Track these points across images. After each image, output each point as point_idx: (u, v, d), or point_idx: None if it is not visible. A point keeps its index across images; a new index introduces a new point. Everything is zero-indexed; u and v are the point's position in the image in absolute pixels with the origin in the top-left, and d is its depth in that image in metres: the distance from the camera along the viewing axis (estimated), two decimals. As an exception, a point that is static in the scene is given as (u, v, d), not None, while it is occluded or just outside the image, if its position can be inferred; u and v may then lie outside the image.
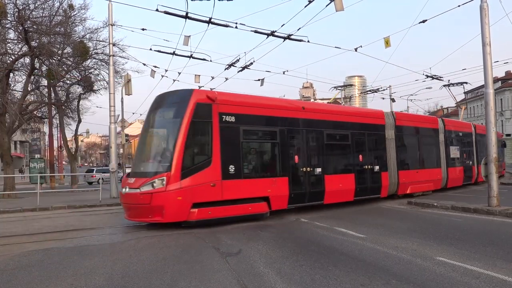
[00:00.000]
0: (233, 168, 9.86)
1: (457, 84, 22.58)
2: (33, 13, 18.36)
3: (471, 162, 20.22)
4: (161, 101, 10.52)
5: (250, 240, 7.73)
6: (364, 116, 14.47)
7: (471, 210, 11.04)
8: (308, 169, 11.71)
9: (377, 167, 13.95)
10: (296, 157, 11.53)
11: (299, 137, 11.78)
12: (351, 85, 18.00)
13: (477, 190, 17.54)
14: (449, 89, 22.95)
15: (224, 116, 9.92)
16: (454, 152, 18.65)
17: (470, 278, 4.98)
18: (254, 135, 10.86)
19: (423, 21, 13.99)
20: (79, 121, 29.90)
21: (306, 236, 8.16)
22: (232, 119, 10.06)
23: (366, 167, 13.61)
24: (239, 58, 16.64)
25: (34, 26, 18.15)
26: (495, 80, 50.55)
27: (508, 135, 52.66)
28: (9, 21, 18.44)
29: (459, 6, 12.79)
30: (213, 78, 19.73)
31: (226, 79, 20.52)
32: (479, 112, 58.29)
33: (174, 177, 8.93)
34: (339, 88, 18.48)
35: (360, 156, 13.45)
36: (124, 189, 9.56)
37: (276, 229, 9.08)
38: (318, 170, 11.98)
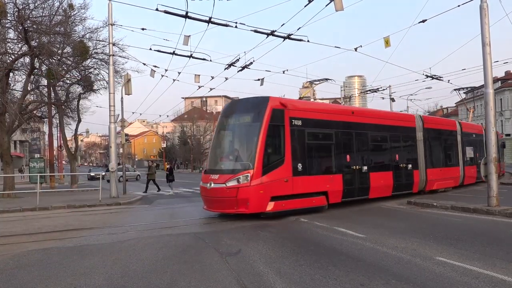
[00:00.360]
0: (301, 166, 11.18)
1: (467, 88, 23.55)
2: (33, 12, 18.32)
3: None
4: (238, 107, 11.99)
5: (250, 240, 7.73)
6: (400, 120, 16.03)
7: (471, 210, 11.04)
8: (357, 167, 13.16)
9: (410, 166, 15.39)
10: (348, 156, 12.97)
11: (349, 139, 13.25)
12: (326, 79, 17.78)
13: (477, 190, 17.52)
14: (459, 93, 23.98)
15: (293, 120, 11.22)
16: (469, 152, 19.84)
17: (470, 278, 4.98)
18: (316, 137, 12.29)
19: (423, 21, 13.99)
20: (79, 120, 29.85)
21: (305, 236, 8.16)
22: (299, 122, 11.38)
23: (402, 165, 15.11)
24: (239, 58, 16.64)
25: (34, 26, 18.12)
26: (495, 80, 50.53)
27: (507, 135, 52.65)
28: (9, 21, 18.42)
29: (459, 6, 12.80)
30: (213, 78, 19.71)
31: (226, 78, 20.50)
32: (479, 112, 58.29)
33: (256, 174, 10.12)
34: (315, 82, 18.36)
35: (397, 156, 15.04)
36: (208, 184, 10.62)
37: (276, 229, 9.08)
38: (365, 168, 13.38)
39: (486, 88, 11.25)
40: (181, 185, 28.30)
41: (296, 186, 10.92)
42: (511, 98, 56.07)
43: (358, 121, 13.60)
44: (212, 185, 10.50)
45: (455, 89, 23.60)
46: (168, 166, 23.86)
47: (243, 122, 11.35)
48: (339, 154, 12.70)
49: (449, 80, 22.78)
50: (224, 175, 10.47)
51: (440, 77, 22.20)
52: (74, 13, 20.37)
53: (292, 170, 10.86)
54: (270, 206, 10.40)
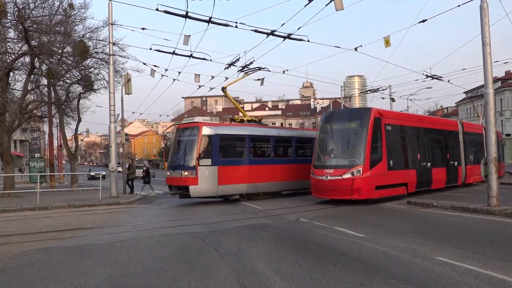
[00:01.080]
0: (392, 163, 13.93)
1: (478, 97, 24.97)
2: (33, 12, 18.34)
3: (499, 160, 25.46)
4: (344, 115, 15.40)
5: (249, 240, 7.72)
6: (449, 125, 19.33)
7: (471, 210, 11.03)
8: (424, 163, 16.07)
9: (455, 163, 18.43)
10: (419, 155, 15.86)
11: (419, 140, 16.24)
12: (259, 68, 17.36)
13: (477, 190, 17.58)
14: (473, 101, 25.40)
15: (387, 126, 14.00)
16: None
17: (470, 278, 4.98)
18: (399, 139, 15.19)
19: (423, 21, 13.99)
20: (79, 120, 29.87)
21: (305, 236, 8.15)
22: (390, 128, 14.19)
23: (451, 162, 18.05)
24: (239, 58, 16.67)
25: (34, 25, 18.13)
26: (495, 80, 50.49)
27: (508, 135, 52.64)
28: (9, 20, 18.42)
29: (459, 6, 12.80)
30: (213, 77, 19.76)
31: (226, 78, 20.50)
32: (480, 112, 58.20)
33: (366, 168, 12.85)
34: (247, 72, 17.74)
35: (448, 155, 17.95)
36: (324, 177, 13.24)
37: (276, 229, 9.07)
38: (429, 164, 16.32)
39: (486, 88, 11.25)
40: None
41: (389, 178, 13.79)
42: (511, 98, 56.04)
43: (424, 126, 16.72)
44: (329, 177, 13.10)
45: (469, 97, 24.58)
46: (144, 168, 23.43)
47: (350, 127, 13.83)
48: (413, 153, 15.67)
49: (449, 80, 22.96)
50: (339, 169, 13.11)
51: (440, 77, 22.22)
52: (74, 12, 20.43)
53: (387, 166, 13.68)
54: (374, 194, 13.21)
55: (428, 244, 6.97)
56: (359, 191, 12.75)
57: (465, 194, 15.99)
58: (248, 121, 18.09)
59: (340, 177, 12.86)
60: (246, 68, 17.36)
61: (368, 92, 31.17)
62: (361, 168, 12.75)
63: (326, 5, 12.15)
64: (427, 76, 21.84)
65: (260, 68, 17.50)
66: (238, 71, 17.64)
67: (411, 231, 8.39)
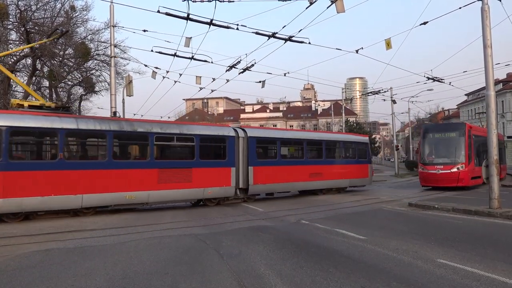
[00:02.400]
0: (475, 162, 19.81)
1: (483, 113, 28.64)
2: (35, 14, 18.45)
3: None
4: (445, 128, 22.75)
5: (250, 241, 7.72)
6: (499, 135, 23.44)
7: (472, 212, 11.02)
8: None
9: (500, 161, 25.56)
10: (484, 156, 20.31)
11: (482, 145, 20.53)
12: (66, 31, 13.45)
13: (479, 192, 17.60)
14: (480, 117, 29.69)
15: (473, 136, 19.91)
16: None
17: (471, 281, 4.97)
18: (478, 145, 20.55)
19: (424, 23, 14.01)
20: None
21: (306, 238, 8.14)
22: (474, 137, 19.98)
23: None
24: (240, 60, 16.66)
25: (36, 27, 18.21)
26: (496, 82, 50.44)
27: (509, 137, 52.54)
28: (11, 22, 18.51)
29: (460, 8, 12.81)
30: (214, 79, 19.78)
31: (227, 80, 20.59)
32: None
33: (466, 164, 18.87)
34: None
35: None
36: (436, 171, 19.28)
37: (277, 230, 9.06)
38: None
39: (487, 90, 11.27)
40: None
41: (476, 172, 18.95)
42: (513, 100, 55.84)
43: (485, 135, 24.20)
44: (440, 171, 19.13)
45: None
46: None
47: (451, 136, 19.92)
48: (483, 154, 19.82)
49: (450, 82, 22.95)
50: (447, 165, 19.10)
51: (442, 79, 22.22)
52: (76, 14, 20.55)
53: (474, 163, 19.52)
54: (470, 182, 19.06)
55: (429, 246, 6.96)
56: (462, 180, 18.70)
57: (467, 196, 15.96)
58: (33, 106, 12.44)
59: (449, 171, 18.81)
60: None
61: (369, 94, 31.24)
62: (463, 164, 18.73)
63: (327, 8, 12.17)
64: (429, 78, 21.85)
65: (66, 31, 14.61)
66: (239, 73, 17.66)
67: (412, 233, 8.38)
